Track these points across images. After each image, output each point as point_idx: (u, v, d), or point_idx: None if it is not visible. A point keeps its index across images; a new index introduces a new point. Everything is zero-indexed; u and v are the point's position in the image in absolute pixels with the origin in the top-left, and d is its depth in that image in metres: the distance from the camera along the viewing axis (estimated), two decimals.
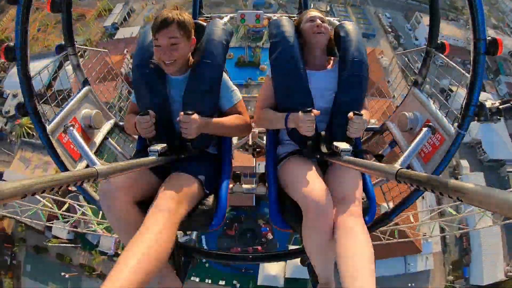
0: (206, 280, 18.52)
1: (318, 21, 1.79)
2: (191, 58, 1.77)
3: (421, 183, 0.80)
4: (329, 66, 1.87)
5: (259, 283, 17.58)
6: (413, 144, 1.58)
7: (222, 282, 18.32)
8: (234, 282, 18.19)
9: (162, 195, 1.38)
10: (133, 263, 1.12)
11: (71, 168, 2.01)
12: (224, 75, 1.80)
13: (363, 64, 1.77)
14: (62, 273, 20.51)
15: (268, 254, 2.53)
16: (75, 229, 14.31)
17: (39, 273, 21.22)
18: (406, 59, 2.61)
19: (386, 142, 2.48)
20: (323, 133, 1.69)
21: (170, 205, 1.33)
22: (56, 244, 21.24)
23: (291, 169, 1.67)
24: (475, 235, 18.58)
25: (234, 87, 1.84)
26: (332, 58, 1.96)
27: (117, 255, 20.44)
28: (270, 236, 18.56)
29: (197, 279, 18.61)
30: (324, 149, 1.63)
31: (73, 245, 21.89)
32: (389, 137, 2.49)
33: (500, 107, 1.58)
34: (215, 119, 1.72)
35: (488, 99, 1.67)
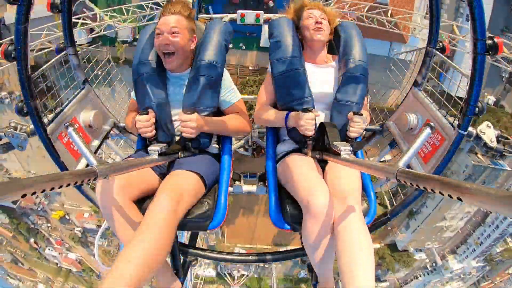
0: None
1: (318, 18, 1.78)
2: (191, 57, 1.78)
3: (421, 183, 0.80)
4: (330, 61, 1.86)
5: (261, 45, 19.17)
6: (414, 144, 1.58)
7: (230, 46, 20.10)
8: (240, 44, 19.43)
9: (161, 194, 1.38)
10: (133, 263, 1.12)
11: (71, 168, 2.01)
12: (225, 73, 1.80)
13: (363, 64, 1.77)
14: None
15: (267, 254, 2.52)
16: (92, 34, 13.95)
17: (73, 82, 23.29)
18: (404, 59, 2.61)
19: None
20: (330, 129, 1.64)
21: (169, 203, 1.33)
22: (79, 50, 21.06)
23: (291, 166, 1.66)
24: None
25: (234, 86, 1.84)
26: (333, 55, 1.95)
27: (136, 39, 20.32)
28: (271, 3, 18.78)
29: None
30: (331, 136, 1.57)
31: (94, 45, 20.08)
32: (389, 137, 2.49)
33: (496, 146, 1.70)
34: (215, 118, 1.72)
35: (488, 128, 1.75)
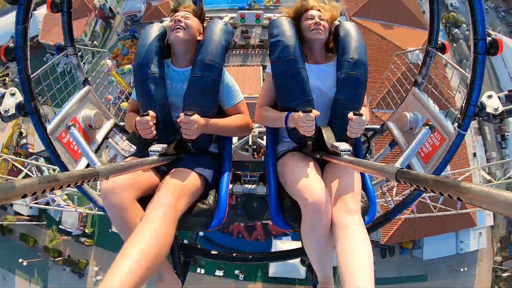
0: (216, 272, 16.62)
1: (317, 19, 1.78)
2: (193, 52, 1.79)
3: (421, 183, 0.80)
4: (329, 61, 1.87)
5: (270, 275, 16.44)
6: (413, 144, 1.58)
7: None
8: (237, 272, 17.20)
9: (161, 190, 1.38)
10: (132, 259, 1.12)
11: (71, 168, 2.01)
12: (227, 75, 1.80)
13: (362, 64, 1.76)
14: (20, 260, 16.87)
15: (268, 254, 2.53)
16: (37, 205, 8.91)
17: (4, 258, 18.02)
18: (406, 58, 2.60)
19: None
20: (326, 131, 1.65)
21: (169, 200, 1.33)
22: (15, 222, 16.96)
23: (290, 166, 1.66)
24: None
25: (236, 87, 1.84)
26: (332, 54, 1.95)
27: (85, 235, 16.67)
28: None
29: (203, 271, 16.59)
30: (330, 141, 1.59)
31: (34, 223, 17.36)
32: (389, 137, 2.49)
33: (504, 109, 1.56)
34: (215, 120, 1.72)
35: (489, 99, 1.63)
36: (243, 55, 18.64)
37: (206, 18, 1.95)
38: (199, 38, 1.80)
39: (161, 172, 1.66)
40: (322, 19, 1.80)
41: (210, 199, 1.68)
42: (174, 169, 1.61)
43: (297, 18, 1.90)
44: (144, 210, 1.40)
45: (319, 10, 1.84)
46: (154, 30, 1.84)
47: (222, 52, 1.78)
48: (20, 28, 1.50)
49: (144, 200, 1.50)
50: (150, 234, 1.21)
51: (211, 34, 1.79)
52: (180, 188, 1.43)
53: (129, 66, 17.60)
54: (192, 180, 1.56)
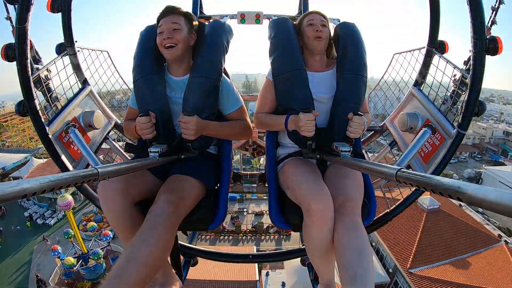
0: None
1: (318, 26, 1.76)
2: (191, 58, 1.77)
3: (421, 183, 0.80)
4: (329, 68, 1.85)
5: None
6: (412, 144, 1.58)
7: None
8: None
9: (161, 198, 1.37)
10: (133, 263, 1.13)
11: (71, 168, 2.01)
12: (226, 79, 1.79)
13: (362, 64, 1.75)
14: None
15: (268, 253, 2.53)
16: None
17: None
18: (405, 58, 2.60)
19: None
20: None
21: (169, 208, 1.32)
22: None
23: (290, 171, 1.66)
24: None
25: (236, 93, 1.83)
26: (332, 60, 1.93)
27: None
28: None
29: None
30: (330, 141, 1.60)
31: None
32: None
33: None
34: (216, 122, 1.71)
35: None
36: (233, 241, 15.75)
37: (206, 18, 1.91)
38: (192, 43, 1.74)
39: (159, 176, 1.65)
40: (323, 25, 1.78)
41: (210, 199, 1.68)
42: (173, 176, 1.59)
43: (299, 23, 1.87)
44: (143, 214, 1.40)
45: (320, 15, 1.81)
46: (153, 30, 1.82)
47: (222, 52, 1.77)
48: (20, 28, 1.50)
49: (143, 203, 1.50)
50: (150, 239, 1.21)
51: (210, 35, 1.78)
52: (180, 195, 1.43)
53: (93, 223, 18.30)
54: (192, 187, 1.55)
